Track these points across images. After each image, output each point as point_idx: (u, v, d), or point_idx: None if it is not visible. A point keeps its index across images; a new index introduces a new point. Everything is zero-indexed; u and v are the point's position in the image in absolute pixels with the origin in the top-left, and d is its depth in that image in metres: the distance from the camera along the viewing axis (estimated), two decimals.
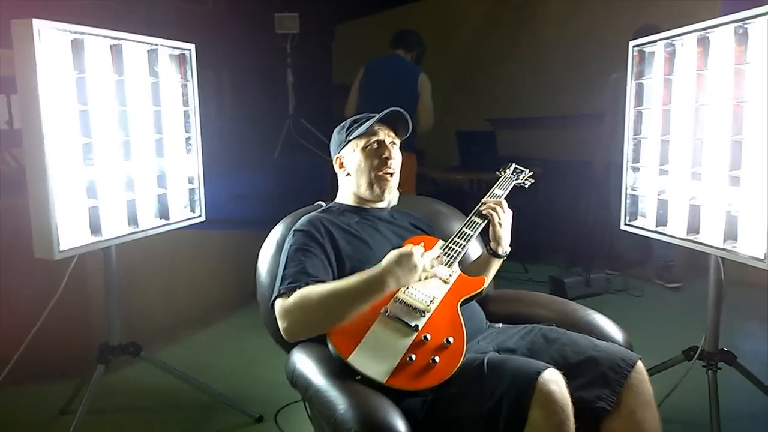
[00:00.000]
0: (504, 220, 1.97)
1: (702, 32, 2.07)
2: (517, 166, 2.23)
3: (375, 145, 1.95)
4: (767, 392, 2.35)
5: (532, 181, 2.21)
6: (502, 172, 2.19)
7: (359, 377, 1.53)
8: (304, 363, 1.66)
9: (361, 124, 1.97)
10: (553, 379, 1.41)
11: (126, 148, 2.27)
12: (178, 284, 3.70)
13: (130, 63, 2.25)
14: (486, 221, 1.97)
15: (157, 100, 2.39)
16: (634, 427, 1.53)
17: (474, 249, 2.18)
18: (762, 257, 1.85)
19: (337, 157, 2.04)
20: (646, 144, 2.37)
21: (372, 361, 1.54)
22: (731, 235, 2.00)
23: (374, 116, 1.95)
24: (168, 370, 2.66)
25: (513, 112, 5.81)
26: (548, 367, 1.44)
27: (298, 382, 1.66)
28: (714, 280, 2.31)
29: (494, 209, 1.95)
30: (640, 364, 1.60)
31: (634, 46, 2.36)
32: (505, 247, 1.99)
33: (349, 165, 1.99)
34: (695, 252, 2.18)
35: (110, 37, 2.17)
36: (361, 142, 1.96)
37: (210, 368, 3.06)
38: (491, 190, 2.09)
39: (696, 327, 2.47)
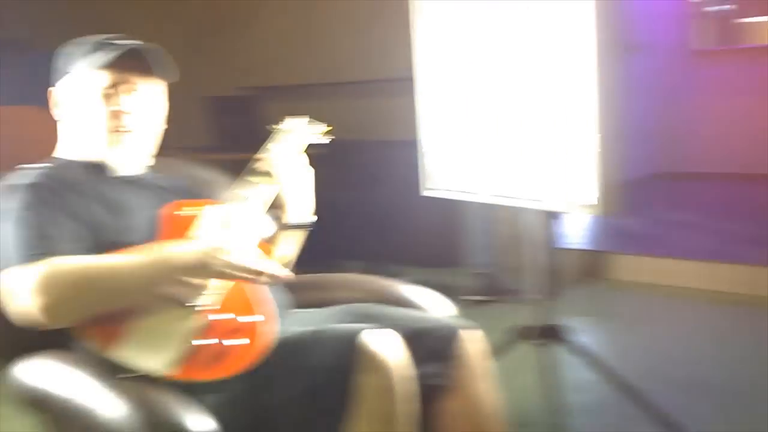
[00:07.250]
0: (296, 177, 1.52)
1: None
2: (312, 119, 1.75)
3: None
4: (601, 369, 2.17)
5: (327, 139, 1.73)
6: (277, 126, 1.67)
7: (131, 375, 1.17)
8: (51, 371, 1.26)
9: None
10: (379, 340, 1.22)
11: None
12: None
13: None
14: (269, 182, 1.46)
15: None
16: (467, 401, 1.40)
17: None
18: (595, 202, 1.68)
19: None
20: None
21: (147, 353, 1.20)
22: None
23: None
24: None
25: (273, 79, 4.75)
26: (374, 327, 1.26)
27: (41, 398, 1.26)
28: (541, 240, 2.06)
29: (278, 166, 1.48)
30: (470, 333, 1.44)
31: None
32: (304, 215, 1.56)
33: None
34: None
35: None
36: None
37: None
38: (264, 146, 1.55)
39: None
